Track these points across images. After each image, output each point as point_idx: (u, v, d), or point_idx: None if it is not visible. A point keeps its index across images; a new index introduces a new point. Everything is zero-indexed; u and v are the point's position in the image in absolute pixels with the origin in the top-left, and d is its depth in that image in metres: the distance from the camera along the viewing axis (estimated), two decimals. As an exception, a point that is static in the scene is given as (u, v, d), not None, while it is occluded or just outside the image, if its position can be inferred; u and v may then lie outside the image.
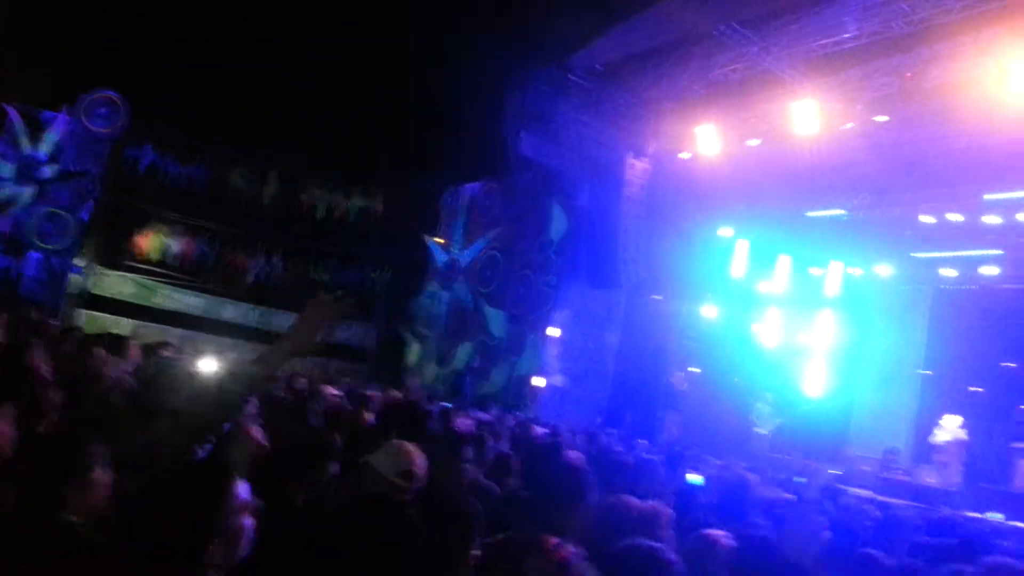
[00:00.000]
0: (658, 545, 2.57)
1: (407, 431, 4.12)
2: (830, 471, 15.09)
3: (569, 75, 13.02)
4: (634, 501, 3.49)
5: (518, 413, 11.22)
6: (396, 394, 8.40)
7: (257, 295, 18.70)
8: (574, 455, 4.92)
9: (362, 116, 16.73)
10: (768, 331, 17.02)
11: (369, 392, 7.49)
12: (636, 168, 13.56)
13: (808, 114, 10.77)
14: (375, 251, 19.53)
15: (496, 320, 15.56)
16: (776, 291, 17.01)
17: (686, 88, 12.35)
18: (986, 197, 13.55)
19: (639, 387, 14.20)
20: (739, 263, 16.14)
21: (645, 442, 10.44)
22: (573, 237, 14.64)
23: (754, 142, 12.04)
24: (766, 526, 4.35)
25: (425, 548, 2.40)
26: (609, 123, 13.57)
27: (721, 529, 3.60)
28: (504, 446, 5.85)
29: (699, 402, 16.08)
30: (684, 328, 15.64)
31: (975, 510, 11.48)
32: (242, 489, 1.84)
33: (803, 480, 9.28)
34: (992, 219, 13.75)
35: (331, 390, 6.94)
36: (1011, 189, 13.10)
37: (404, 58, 15.57)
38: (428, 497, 3.01)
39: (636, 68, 12.51)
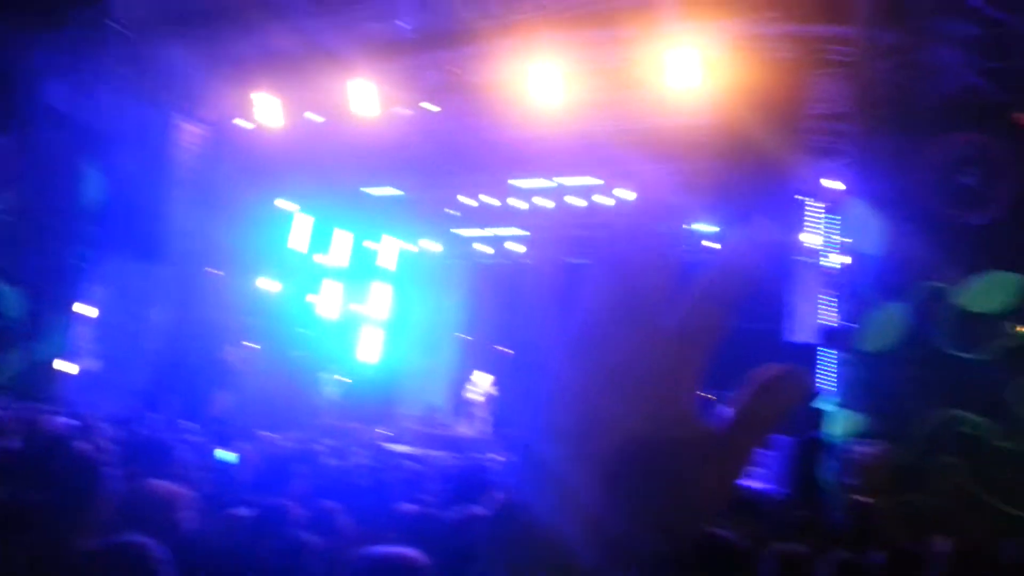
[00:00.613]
0: (147, 541, 2.37)
1: None
2: (382, 432, 16.05)
3: (111, 22, 11.45)
4: (158, 485, 3.39)
5: (37, 404, 9.64)
6: None
7: None
8: (86, 446, 4.39)
9: None
10: (327, 303, 17.32)
11: None
12: (189, 133, 12.56)
13: (366, 95, 11.07)
14: None
15: (8, 297, 13.15)
16: (334, 264, 17.38)
17: (245, 54, 11.78)
18: (511, 183, 15.55)
19: (190, 367, 13.26)
20: (299, 237, 16.09)
21: (191, 424, 9.79)
22: (113, 205, 13.00)
23: (314, 117, 12.01)
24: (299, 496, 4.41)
25: None
26: (158, 82, 12.31)
27: (259, 503, 3.56)
28: (14, 443, 4.95)
29: (259, 378, 15.72)
30: (242, 303, 15.06)
31: (502, 453, 13.05)
32: None
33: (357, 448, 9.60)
34: (517, 203, 15.80)
35: None
36: (532, 176, 15.23)
37: None
38: None
39: (192, 24, 11.52)
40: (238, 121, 12.62)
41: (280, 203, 15.49)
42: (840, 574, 3.29)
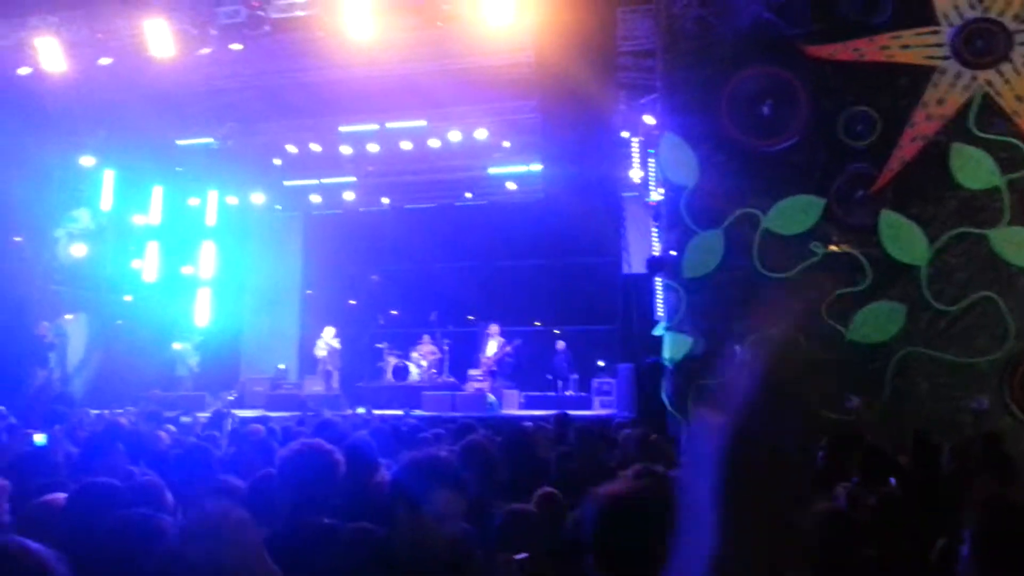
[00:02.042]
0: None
1: None
2: (229, 397, 15.43)
3: None
4: None
5: None
6: None
7: None
8: None
9: None
10: (149, 266, 16.22)
11: None
12: (-40, 84, 11.16)
13: (161, 35, 10.20)
14: None
15: None
16: (153, 223, 16.25)
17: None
18: (341, 129, 15.02)
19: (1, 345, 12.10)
20: (107, 195, 14.86)
21: (2, 408, 8.98)
22: None
23: (106, 61, 10.95)
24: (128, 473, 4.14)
25: None
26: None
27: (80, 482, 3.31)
28: None
29: (81, 351, 14.62)
30: (49, 271, 13.82)
31: (352, 408, 12.89)
32: None
33: (188, 419, 9.14)
34: (347, 149, 15.30)
35: None
36: (362, 122, 14.77)
37: None
38: None
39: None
40: (20, 69, 11.31)
41: (83, 160, 14.18)
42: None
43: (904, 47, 8.80)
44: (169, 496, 3.24)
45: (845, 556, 2.28)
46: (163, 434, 6.10)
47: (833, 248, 9.12)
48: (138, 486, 3.33)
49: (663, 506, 1.70)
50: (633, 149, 13.02)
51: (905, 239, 8.88)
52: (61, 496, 3.15)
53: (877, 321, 8.89)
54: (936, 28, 8.75)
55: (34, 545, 1.94)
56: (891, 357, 8.80)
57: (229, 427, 8.38)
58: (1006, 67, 8.67)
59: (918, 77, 8.84)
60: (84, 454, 4.73)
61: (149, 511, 2.54)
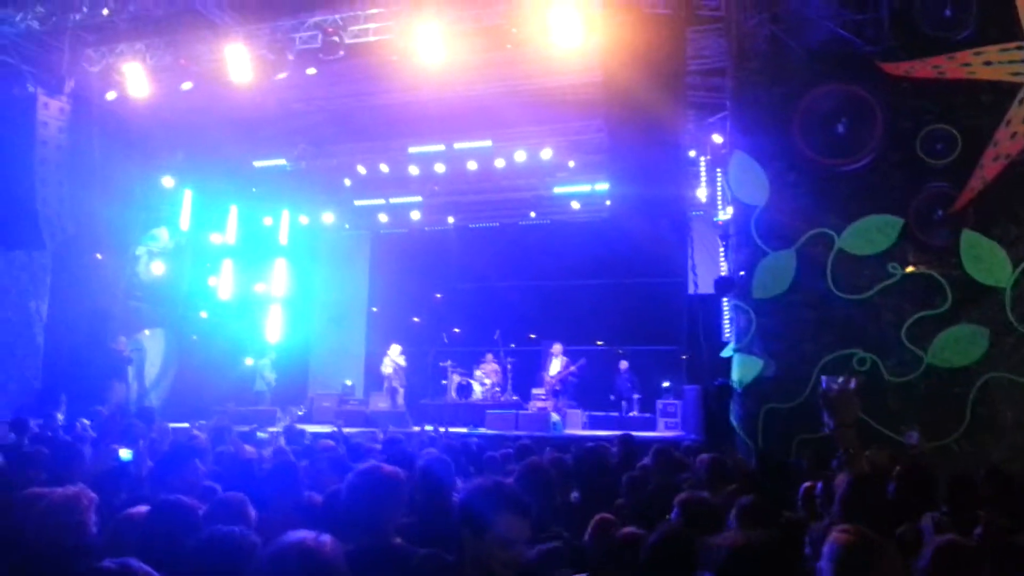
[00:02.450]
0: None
1: None
2: (298, 412, 15.75)
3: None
4: (49, 492, 3.14)
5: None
6: None
7: None
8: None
9: None
10: (224, 283, 16.73)
11: None
12: (51, 108, 11.72)
13: (241, 60, 10.56)
14: None
15: None
16: (229, 242, 16.76)
17: (106, 20, 11.05)
18: (411, 150, 15.28)
19: (78, 359, 12.59)
20: (185, 215, 15.40)
21: (86, 421, 9.33)
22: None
23: (188, 85, 11.39)
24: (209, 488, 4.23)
25: None
26: (11, 53, 11.44)
27: (159, 499, 3.40)
28: None
29: (156, 365, 15.14)
30: (129, 288, 14.36)
31: (417, 424, 13.00)
32: None
33: (264, 434, 9.34)
34: (414, 169, 15.55)
35: None
36: (430, 143, 15.01)
37: None
38: None
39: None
40: (107, 95, 11.85)
41: (164, 180, 14.74)
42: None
43: (987, 63, 8.51)
44: (252, 512, 3.29)
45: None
46: (250, 448, 6.23)
47: (911, 269, 8.84)
48: (221, 502, 3.39)
49: (787, 559, 1.69)
50: (700, 168, 12.90)
51: (987, 260, 8.55)
52: (144, 509, 3.23)
53: (958, 345, 8.57)
54: (1022, 44, 8.45)
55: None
56: (973, 383, 8.46)
57: (307, 442, 8.56)
58: (1096, 83, 8.30)
59: (1001, 94, 8.53)
60: (163, 469, 4.84)
61: (239, 529, 2.58)
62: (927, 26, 8.75)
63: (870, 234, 8.97)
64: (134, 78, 11.26)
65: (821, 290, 9.08)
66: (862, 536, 2.02)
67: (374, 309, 19.00)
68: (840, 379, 3.77)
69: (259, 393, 15.76)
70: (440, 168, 15.33)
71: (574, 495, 4.60)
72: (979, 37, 8.60)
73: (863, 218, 8.99)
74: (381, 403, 15.21)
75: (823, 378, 5.93)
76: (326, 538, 1.95)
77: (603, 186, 14.86)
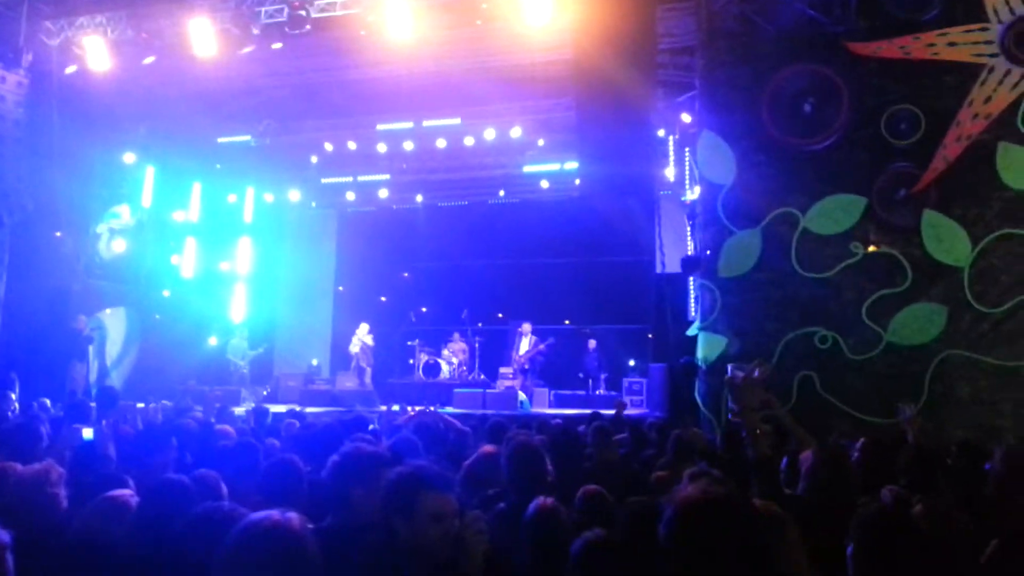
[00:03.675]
0: None
1: None
2: (263, 392, 15.63)
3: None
4: (16, 468, 3.31)
5: None
6: None
7: None
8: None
9: None
10: (187, 261, 16.46)
11: None
12: (8, 82, 11.38)
13: (204, 34, 10.34)
14: None
15: None
16: (192, 220, 16.48)
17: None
18: (379, 127, 15.13)
19: (37, 339, 12.32)
20: (147, 192, 15.09)
21: (47, 401, 9.16)
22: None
23: (150, 60, 11.13)
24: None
25: None
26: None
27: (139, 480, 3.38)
28: None
29: (117, 344, 14.87)
30: (90, 266, 14.06)
31: (384, 404, 12.96)
32: None
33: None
34: (382, 147, 15.40)
35: None
36: (398, 120, 14.87)
37: None
38: None
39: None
40: (67, 69, 11.54)
41: (126, 156, 14.42)
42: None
43: (951, 44, 8.65)
44: (224, 489, 3.28)
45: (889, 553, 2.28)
46: (229, 428, 6.16)
47: (873, 248, 9.01)
48: (196, 479, 3.36)
49: (743, 510, 1.72)
50: (669, 147, 12.96)
51: (948, 240, 8.74)
52: (125, 492, 3.18)
53: (917, 323, 8.77)
54: (986, 25, 8.59)
55: None
56: (931, 360, 8.68)
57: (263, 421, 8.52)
58: (1058, 65, 8.48)
59: (965, 75, 8.69)
60: (137, 448, 4.77)
61: (227, 504, 2.58)
62: (894, 7, 8.87)
63: (834, 213, 9.11)
64: (95, 52, 10.98)
65: (785, 269, 9.22)
66: (708, 495, 1.79)
67: (340, 288, 18.86)
68: (745, 367, 4.05)
69: (236, 371, 15.53)
70: (409, 146, 15.22)
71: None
72: (944, 18, 8.75)
73: (827, 197, 9.12)
74: (348, 382, 15.14)
75: (729, 367, 6.17)
76: (293, 515, 1.94)
77: (572, 165, 14.89)
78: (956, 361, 8.64)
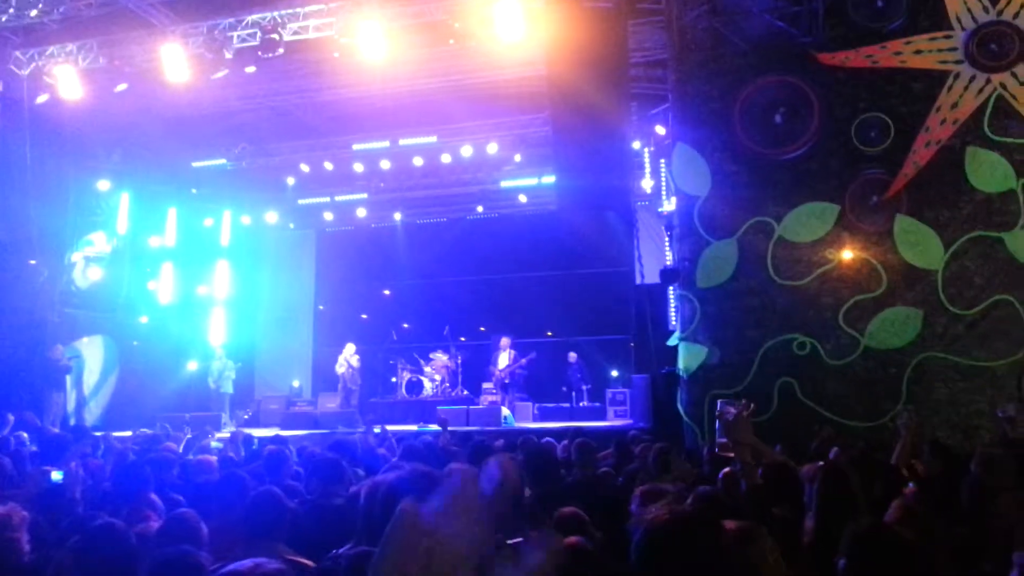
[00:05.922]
0: None
1: None
2: (244, 415, 15.43)
3: None
4: None
5: None
6: None
7: None
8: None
9: None
10: (165, 287, 16.31)
11: None
12: (-22, 111, 11.31)
13: (177, 60, 10.31)
14: None
15: None
16: (168, 245, 16.35)
17: (35, 21, 10.68)
18: (355, 147, 15.14)
19: (13, 370, 12.15)
20: (123, 218, 14.96)
21: (24, 435, 9.00)
22: None
23: (122, 87, 11.07)
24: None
25: None
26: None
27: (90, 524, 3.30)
28: None
29: (95, 373, 14.68)
30: (65, 295, 13.90)
31: (366, 425, 12.81)
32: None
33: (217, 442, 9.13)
34: (359, 166, 15.40)
35: None
36: (374, 139, 14.89)
37: None
38: None
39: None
40: (39, 98, 11.44)
41: (100, 183, 14.30)
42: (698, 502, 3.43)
43: (917, 52, 8.82)
44: (204, 529, 3.21)
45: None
46: (212, 458, 6.08)
47: (848, 254, 9.11)
48: (174, 519, 3.31)
49: (711, 530, 1.73)
50: (645, 159, 13.07)
51: (921, 244, 8.86)
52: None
53: (893, 327, 8.87)
54: (949, 32, 8.76)
55: None
56: (908, 363, 8.78)
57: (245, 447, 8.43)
58: (1020, 69, 8.65)
59: (932, 82, 8.85)
60: (112, 488, 4.69)
61: (187, 548, 2.55)
62: (860, 17, 9.02)
63: (808, 221, 9.21)
64: (66, 80, 10.91)
65: (762, 278, 9.30)
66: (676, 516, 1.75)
67: (321, 307, 18.76)
68: (735, 404, 4.30)
69: (217, 395, 15.23)
70: (385, 164, 15.22)
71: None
72: (910, 27, 8.90)
73: (801, 206, 9.23)
74: (330, 404, 15.00)
75: (719, 402, 6.32)
76: (274, 565, 1.92)
77: (549, 179, 14.93)
78: (933, 363, 8.75)
